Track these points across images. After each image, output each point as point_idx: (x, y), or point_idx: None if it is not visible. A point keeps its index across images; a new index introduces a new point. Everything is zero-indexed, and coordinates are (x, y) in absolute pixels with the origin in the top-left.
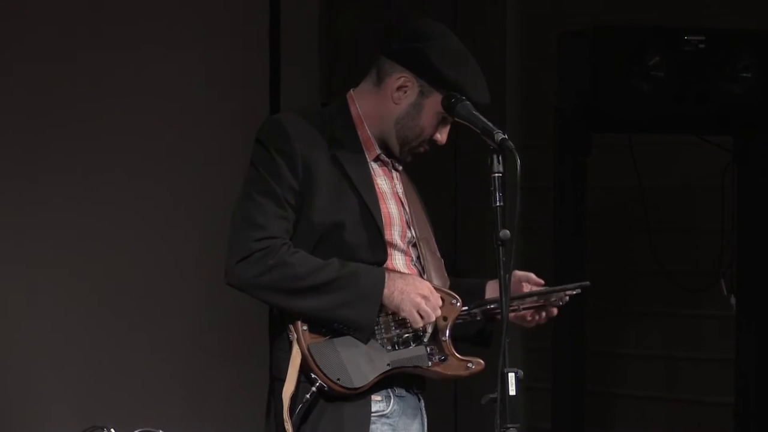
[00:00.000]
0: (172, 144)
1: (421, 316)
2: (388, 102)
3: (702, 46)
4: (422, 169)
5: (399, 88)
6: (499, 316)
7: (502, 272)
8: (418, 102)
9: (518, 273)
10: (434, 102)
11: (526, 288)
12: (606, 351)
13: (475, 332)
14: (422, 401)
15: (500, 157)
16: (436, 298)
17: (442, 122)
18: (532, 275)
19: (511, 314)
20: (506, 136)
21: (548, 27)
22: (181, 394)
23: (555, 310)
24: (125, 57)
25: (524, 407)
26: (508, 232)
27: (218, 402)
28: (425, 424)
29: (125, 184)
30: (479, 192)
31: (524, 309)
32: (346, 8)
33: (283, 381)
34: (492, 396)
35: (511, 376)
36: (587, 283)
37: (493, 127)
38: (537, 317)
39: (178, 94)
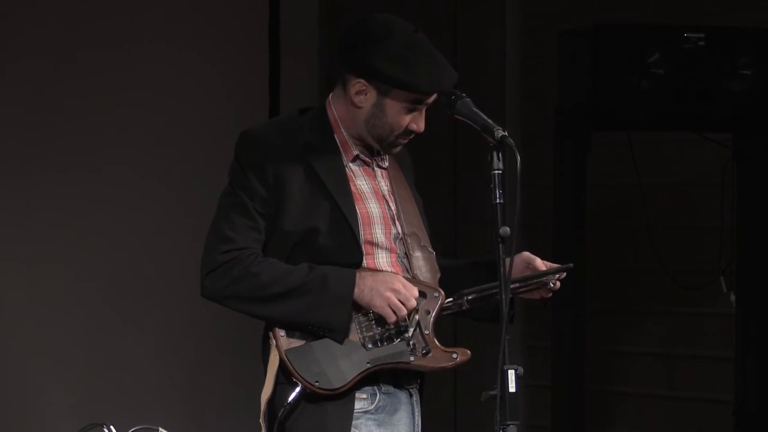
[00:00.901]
0: (171, 142)
1: (394, 312)
2: (353, 106)
3: (702, 43)
4: (422, 167)
5: (358, 93)
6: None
7: (502, 269)
8: (379, 102)
9: (525, 255)
10: (396, 97)
11: (527, 272)
12: (606, 349)
13: (490, 312)
14: (415, 396)
15: (500, 154)
16: (410, 290)
17: (411, 113)
18: (538, 260)
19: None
20: (506, 133)
21: (548, 25)
22: (180, 391)
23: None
24: (124, 55)
25: (524, 404)
26: (508, 229)
27: (216, 399)
28: (416, 418)
29: (123, 182)
30: (479, 189)
31: (515, 294)
32: (346, 6)
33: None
34: (492, 393)
35: (511, 373)
36: (571, 265)
37: (493, 124)
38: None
39: (178, 92)
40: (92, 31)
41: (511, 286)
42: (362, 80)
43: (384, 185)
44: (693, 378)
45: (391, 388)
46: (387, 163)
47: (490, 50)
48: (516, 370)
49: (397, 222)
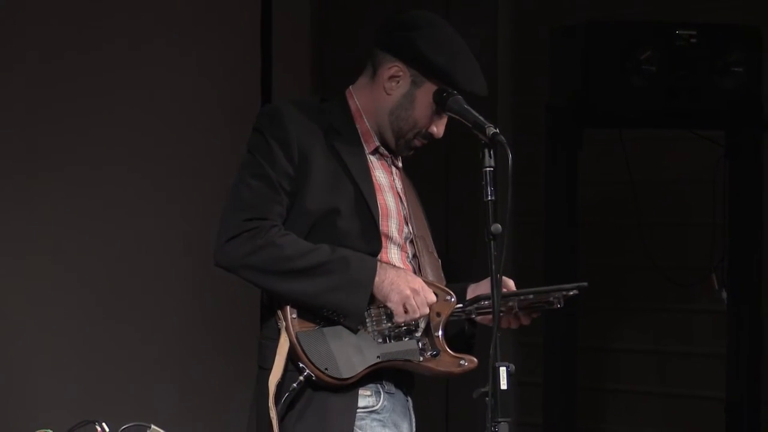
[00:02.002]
0: (162, 140)
1: (407, 311)
2: (382, 93)
3: (693, 40)
4: (413, 163)
5: (391, 78)
6: (490, 316)
7: (493, 267)
8: (410, 92)
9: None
10: (427, 92)
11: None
12: (597, 346)
13: (454, 334)
14: (410, 401)
15: (492, 152)
16: (428, 294)
17: (436, 114)
18: (511, 282)
19: (502, 313)
20: (498, 131)
21: (539, 22)
22: (172, 388)
23: (527, 319)
24: (115, 54)
25: (516, 402)
26: (499, 226)
27: (209, 396)
28: (413, 424)
29: (117, 181)
30: (470, 186)
31: (520, 308)
32: (337, 3)
33: (268, 370)
34: (483, 390)
35: (503, 371)
36: (585, 284)
37: (485, 122)
38: (511, 322)
39: (169, 91)
40: (85, 32)
41: (521, 298)
42: (399, 64)
43: (398, 184)
44: (684, 375)
45: (392, 388)
46: (401, 164)
47: (482, 47)
48: (508, 368)
49: (408, 222)
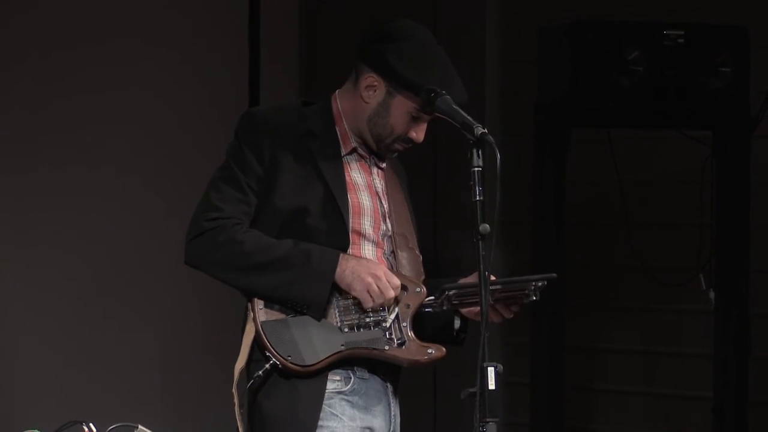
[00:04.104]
0: (152, 138)
1: (372, 297)
2: (360, 101)
3: (681, 40)
4: (401, 163)
5: (367, 88)
6: (465, 308)
7: (481, 266)
8: (385, 102)
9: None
10: (401, 102)
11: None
12: (585, 346)
13: (442, 326)
14: (391, 387)
15: (480, 152)
16: (390, 278)
17: (414, 120)
18: (492, 278)
19: (477, 308)
20: (486, 131)
21: (527, 22)
22: (160, 388)
23: (508, 312)
24: (103, 52)
25: (504, 402)
26: (487, 226)
27: (197, 396)
28: (393, 410)
29: (106, 181)
30: (458, 186)
31: (495, 300)
32: (325, 4)
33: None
34: (471, 390)
35: (491, 371)
36: (554, 275)
37: (473, 122)
38: (492, 316)
39: (157, 90)
40: (71, 30)
41: (492, 287)
42: (374, 75)
43: (378, 183)
44: (672, 375)
45: (366, 373)
46: (385, 165)
47: (470, 46)
48: (496, 368)
49: (387, 220)
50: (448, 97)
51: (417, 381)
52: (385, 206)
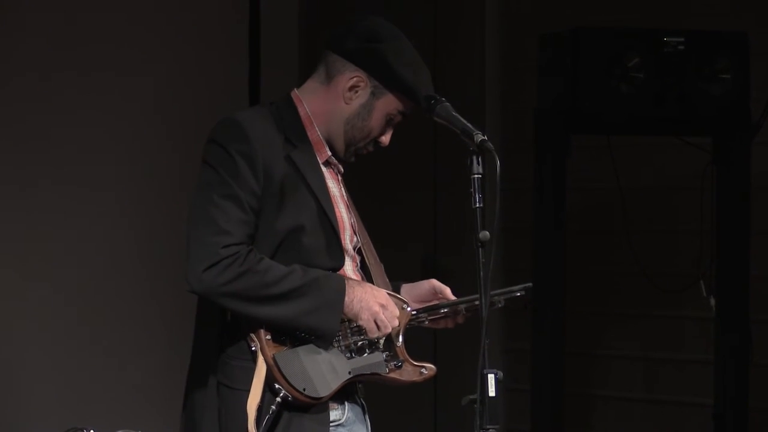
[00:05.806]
0: (151, 141)
1: (378, 327)
2: (339, 101)
3: (681, 47)
4: (402, 171)
5: (351, 88)
6: (439, 323)
7: (481, 274)
8: (369, 103)
9: (434, 283)
10: (385, 103)
11: (434, 300)
12: (585, 352)
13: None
14: (365, 407)
15: (480, 159)
16: (394, 307)
17: (388, 124)
18: (448, 290)
19: (424, 323)
20: (486, 137)
21: (528, 28)
22: (161, 395)
23: (461, 318)
24: (103, 52)
25: (504, 408)
26: (487, 233)
27: None
28: (369, 429)
29: (106, 181)
30: (458, 194)
31: (433, 319)
32: (325, 9)
33: (237, 390)
34: (472, 397)
35: (491, 378)
36: (530, 284)
37: (473, 128)
38: (447, 323)
39: (157, 91)
40: (69, 35)
41: (418, 315)
42: (362, 74)
43: (344, 191)
44: (672, 381)
45: (353, 398)
46: (342, 170)
47: (470, 53)
48: (496, 374)
49: (356, 231)
50: (448, 103)
51: (417, 388)
52: (353, 217)
